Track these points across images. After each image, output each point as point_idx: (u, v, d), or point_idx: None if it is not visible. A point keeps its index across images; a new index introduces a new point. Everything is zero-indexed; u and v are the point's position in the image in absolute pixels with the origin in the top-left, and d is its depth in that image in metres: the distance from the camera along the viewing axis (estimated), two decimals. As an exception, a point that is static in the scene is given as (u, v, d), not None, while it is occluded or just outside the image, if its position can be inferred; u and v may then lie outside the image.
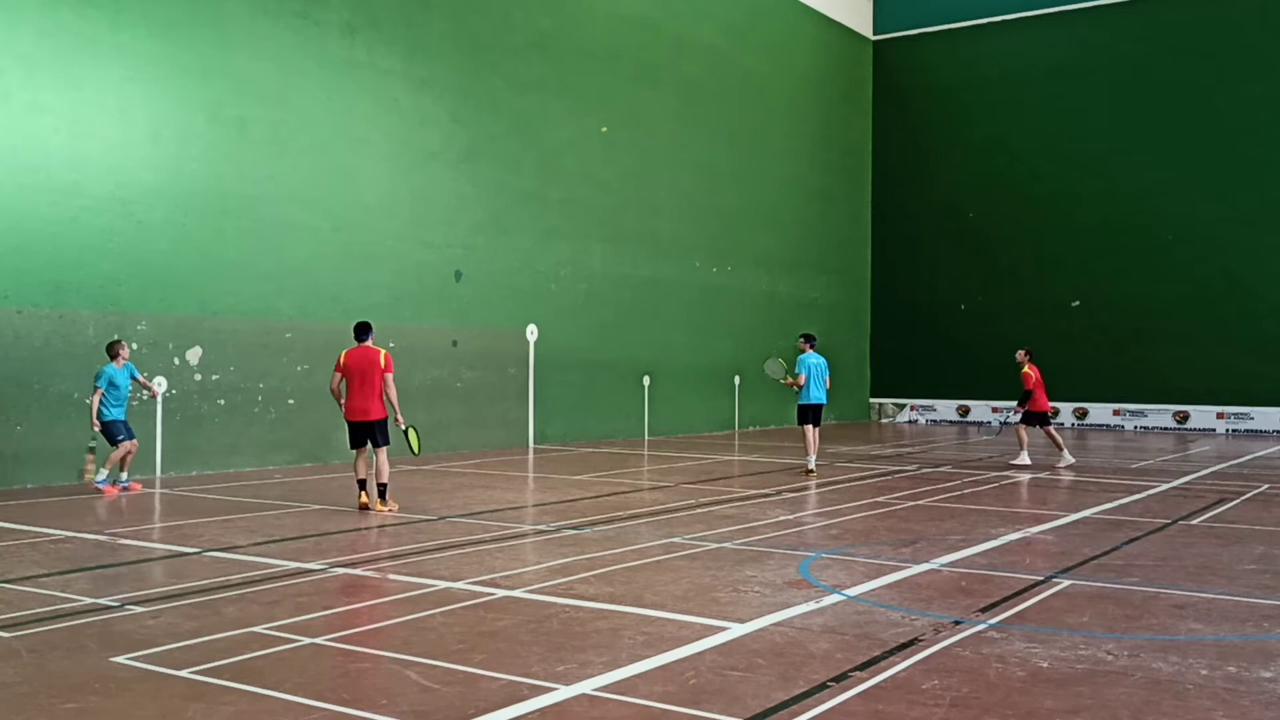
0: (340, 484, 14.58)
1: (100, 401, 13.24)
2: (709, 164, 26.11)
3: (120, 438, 13.38)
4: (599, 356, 22.82)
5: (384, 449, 12.11)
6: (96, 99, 14.81)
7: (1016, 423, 18.85)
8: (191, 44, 15.84)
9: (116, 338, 14.15)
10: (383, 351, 12.02)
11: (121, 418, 13.48)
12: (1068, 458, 18.19)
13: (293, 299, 17.07)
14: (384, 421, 12.09)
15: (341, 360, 12.03)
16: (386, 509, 11.97)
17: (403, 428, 12.12)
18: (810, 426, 16.85)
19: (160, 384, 12.69)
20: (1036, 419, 18.51)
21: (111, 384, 13.31)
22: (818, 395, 16.78)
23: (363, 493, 12.12)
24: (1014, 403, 19.25)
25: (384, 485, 12.11)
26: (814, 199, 30.39)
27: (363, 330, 12.22)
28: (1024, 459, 18.10)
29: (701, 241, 25.87)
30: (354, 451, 12.34)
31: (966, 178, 31.42)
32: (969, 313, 31.15)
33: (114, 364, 13.42)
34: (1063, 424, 29.77)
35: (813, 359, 16.80)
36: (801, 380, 16.72)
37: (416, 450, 12.41)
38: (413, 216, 19.03)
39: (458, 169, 19.86)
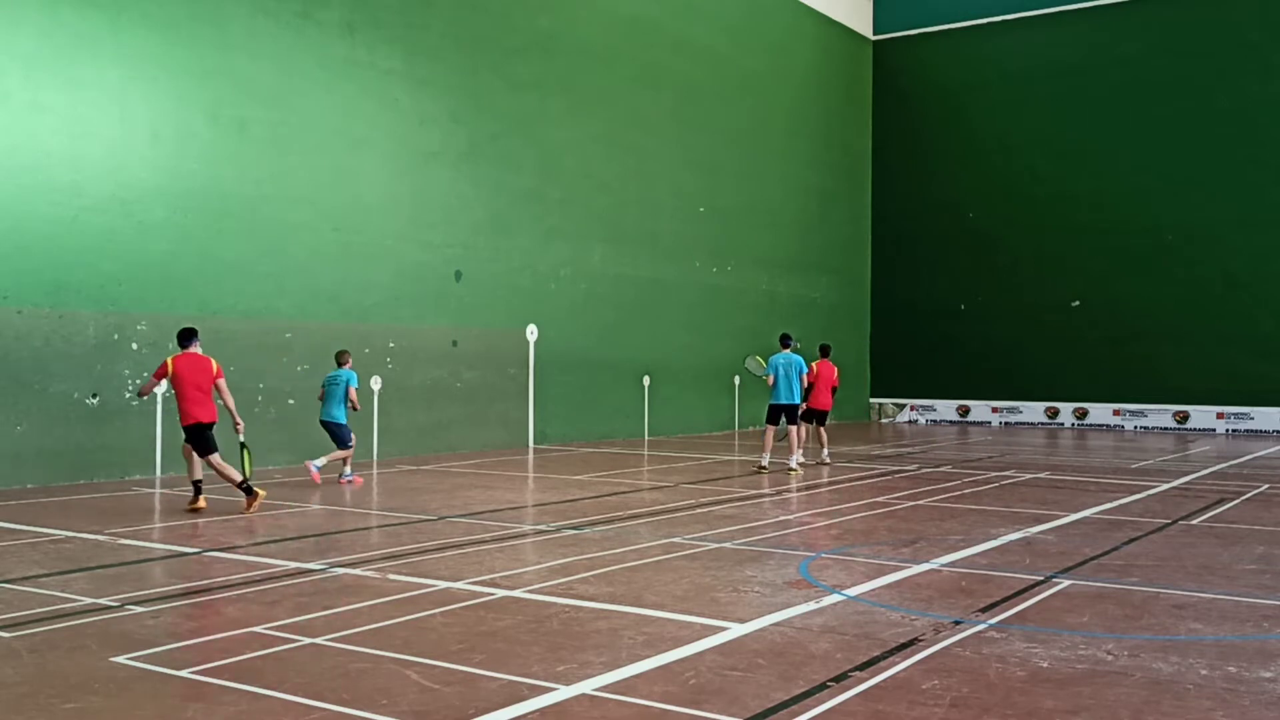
0: (340, 484, 14.58)
1: (341, 402, 14.42)
2: (709, 164, 26.11)
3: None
4: (599, 356, 22.82)
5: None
6: (96, 99, 14.80)
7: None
8: (191, 44, 15.83)
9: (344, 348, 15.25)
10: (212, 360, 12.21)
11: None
12: (825, 456, 18.19)
13: (293, 299, 17.07)
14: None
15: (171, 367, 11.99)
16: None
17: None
18: (773, 427, 16.87)
19: (161, 385, 12.67)
20: (813, 415, 18.30)
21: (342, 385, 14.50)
22: (786, 396, 16.63)
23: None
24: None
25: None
26: (814, 199, 30.39)
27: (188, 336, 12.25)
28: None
29: (701, 241, 25.87)
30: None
31: (966, 178, 31.42)
32: (969, 313, 31.16)
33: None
34: (1061, 424, 29.83)
35: (782, 359, 16.71)
36: (770, 381, 16.76)
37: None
38: (413, 216, 19.03)
39: (458, 169, 19.85)
